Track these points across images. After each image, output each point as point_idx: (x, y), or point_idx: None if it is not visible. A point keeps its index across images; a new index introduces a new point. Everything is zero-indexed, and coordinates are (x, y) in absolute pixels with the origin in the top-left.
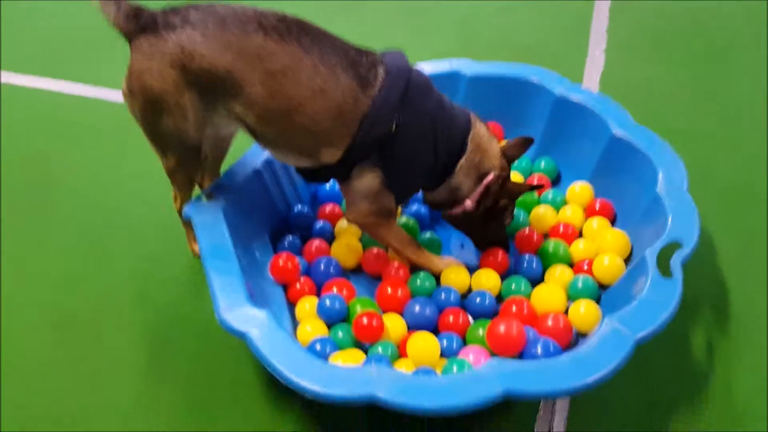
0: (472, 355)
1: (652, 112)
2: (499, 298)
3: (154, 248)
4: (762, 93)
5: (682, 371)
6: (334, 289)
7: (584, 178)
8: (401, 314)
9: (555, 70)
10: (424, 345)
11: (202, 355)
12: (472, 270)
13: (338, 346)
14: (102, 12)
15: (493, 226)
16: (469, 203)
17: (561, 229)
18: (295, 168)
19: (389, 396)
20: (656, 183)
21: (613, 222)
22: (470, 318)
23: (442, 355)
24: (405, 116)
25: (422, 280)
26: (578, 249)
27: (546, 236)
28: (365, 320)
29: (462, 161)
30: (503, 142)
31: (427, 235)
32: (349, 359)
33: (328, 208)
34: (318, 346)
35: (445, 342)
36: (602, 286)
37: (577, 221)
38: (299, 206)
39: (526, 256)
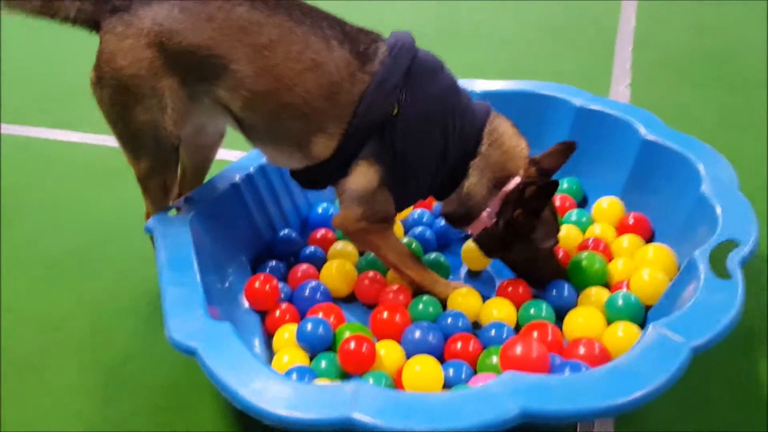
0: (482, 383)
1: None
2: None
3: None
4: None
5: (748, 406)
6: (320, 315)
7: (614, 194)
8: (399, 342)
9: None
10: (424, 371)
11: (164, 395)
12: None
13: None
14: (57, 14)
15: (525, 251)
16: (485, 215)
17: (590, 245)
18: (290, 173)
19: (370, 417)
20: (700, 184)
21: (650, 240)
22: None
23: (448, 384)
24: (409, 96)
25: (425, 305)
26: (616, 269)
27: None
28: (353, 345)
29: (476, 159)
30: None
31: (432, 256)
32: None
33: (320, 233)
34: (294, 376)
35: (451, 371)
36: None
37: (608, 239)
38: (285, 230)
39: (554, 283)
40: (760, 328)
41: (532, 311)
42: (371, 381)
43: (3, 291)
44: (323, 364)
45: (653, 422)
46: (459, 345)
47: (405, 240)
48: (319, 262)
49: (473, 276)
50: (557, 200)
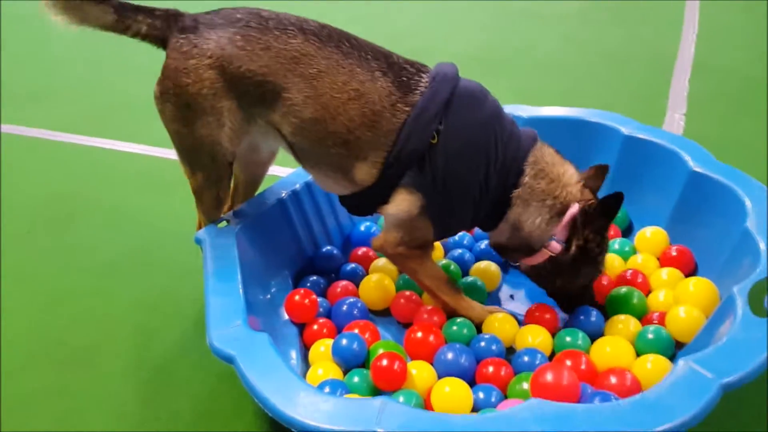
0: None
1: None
2: (552, 357)
3: (158, 284)
4: None
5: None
6: (356, 331)
7: (659, 224)
8: (432, 363)
9: None
10: (453, 393)
11: (203, 400)
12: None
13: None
14: (129, 29)
15: (590, 273)
16: (556, 245)
17: (629, 276)
18: (339, 199)
19: None
20: (745, 219)
21: (692, 273)
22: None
23: (476, 407)
24: (449, 125)
25: (460, 326)
26: (656, 300)
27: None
28: (385, 362)
29: (519, 189)
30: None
31: (470, 279)
32: None
33: (361, 251)
34: (326, 390)
35: (481, 394)
36: (678, 346)
37: (648, 270)
38: (328, 247)
39: (585, 308)
40: None
41: (567, 339)
42: (401, 399)
43: (63, 289)
44: (356, 379)
45: None
46: (491, 369)
47: (443, 262)
48: (358, 279)
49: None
50: None
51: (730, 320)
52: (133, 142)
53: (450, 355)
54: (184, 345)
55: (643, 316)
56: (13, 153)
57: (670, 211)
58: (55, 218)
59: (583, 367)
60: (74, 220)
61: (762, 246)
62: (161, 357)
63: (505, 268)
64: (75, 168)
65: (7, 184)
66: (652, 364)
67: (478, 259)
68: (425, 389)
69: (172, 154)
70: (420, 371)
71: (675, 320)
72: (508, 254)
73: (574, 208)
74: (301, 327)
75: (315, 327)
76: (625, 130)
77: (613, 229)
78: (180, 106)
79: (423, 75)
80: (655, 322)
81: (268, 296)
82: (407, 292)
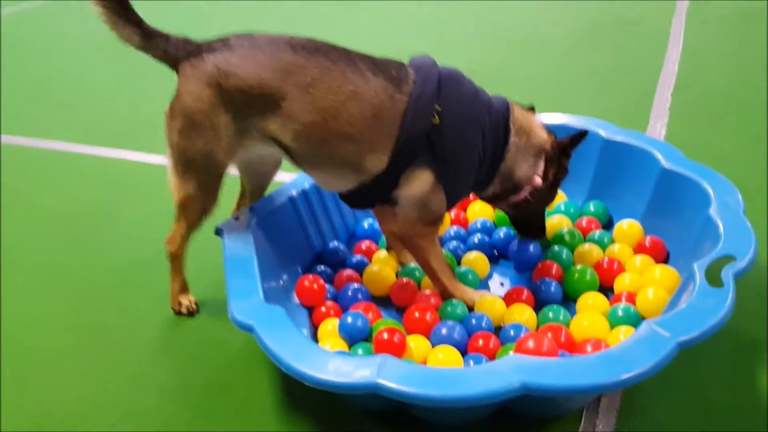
0: None
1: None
2: None
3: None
4: None
5: (745, 407)
6: (360, 311)
7: (635, 217)
8: (428, 338)
9: None
10: (446, 358)
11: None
12: None
13: None
14: (149, 50)
15: (550, 198)
16: (538, 180)
17: (605, 264)
18: (340, 195)
19: (395, 383)
20: (709, 207)
21: (665, 260)
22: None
23: None
24: (445, 104)
25: (453, 307)
26: (622, 282)
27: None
28: (386, 335)
29: (509, 146)
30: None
31: (463, 269)
32: None
33: (365, 244)
34: None
35: (471, 362)
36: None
37: (623, 258)
38: (334, 243)
39: (547, 282)
40: (760, 337)
41: (550, 315)
42: None
43: (95, 284)
44: (360, 351)
45: (655, 420)
46: (480, 342)
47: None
48: (362, 269)
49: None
50: (584, 222)
51: (689, 291)
52: (155, 153)
53: (444, 330)
54: (204, 330)
55: (595, 289)
56: (43, 165)
57: (644, 205)
58: (85, 223)
59: (563, 339)
60: (102, 224)
61: (721, 229)
62: (185, 341)
63: (495, 259)
64: (102, 179)
65: (39, 193)
66: (625, 335)
67: (469, 249)
68: (422, 359)
69: None
70: (417, 344)
71: (644, 300)
72: (497, 201)
73: (547, 146)
74: (310, 310)
75: (323, 309)
76: (603, 134)
77: (593, 223)
78: (185, 123)
79: (407, 68)
80: (623, 301)
81: (281, 282)
82: (405, 279)
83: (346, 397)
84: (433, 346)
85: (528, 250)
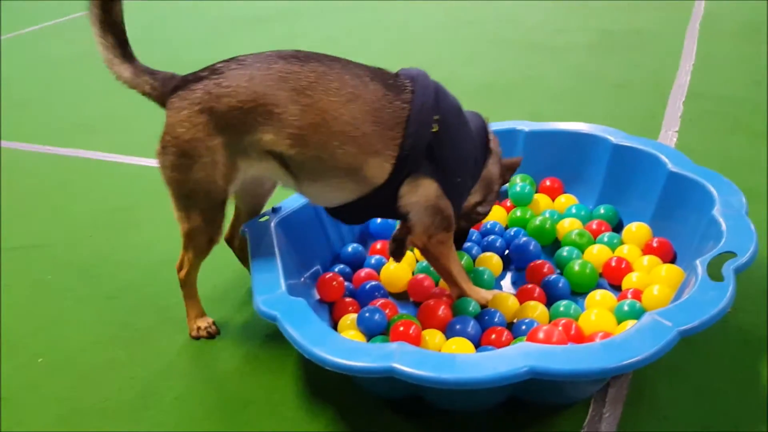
0: None
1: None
2: None
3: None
4: None
5: (748, 398)
6: (378, 305)
7: (644, 220)
8: (443, 332)
9: None
10: (459, 349)
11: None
12: None
13: None
14: (139, 87)
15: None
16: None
17: (614, 263)
18: (330, 210)
19: (409, 367)
20: (713, 208)
21: (672, 261)
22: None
23: None
24: (443, 114)
25: (467, 304)
26: (630, 281)
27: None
28: (402, 328)
29: (490, 153)
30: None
31: (479, 269)
32: None
33: (380, 245)
34: None
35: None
36: None
37: (632, 258)
38: (353, 245)
39: (555, 278)
40: (764, 332)
41: (561, 309)
42: None
43: (124, 281)
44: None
45: (661, 410)
46: (493, 336)
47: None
48: (380, 269)
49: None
50: (594, 225)
51: (691, 286)
52: None
53: (458, 326)
54: (228, 323)
55: (595, 281)
56: (74, 172)
57: (653, 208)
58: (113, 226)
59: (572, 332)
60: (129, 227)
61: (723, 227)
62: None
63: (509, 259)
64: (130, 185)
65: (70, 198)
66: None
67: (484, 250)
68: (436, 350)
69: None
70: (432, 337)
71: (649, 296)
72: (475, 210)
73: (514, 160)
74: (331, 306)
75: (342, 304)
76: (613, 140)
77: (603, 225)
78: (178, 156)
79: (402, 78)
80: (630, 297)
81: (302, 280)
82: (421, 276)
83: (364, 384)
84: (447, 339)
85: (528, 249)
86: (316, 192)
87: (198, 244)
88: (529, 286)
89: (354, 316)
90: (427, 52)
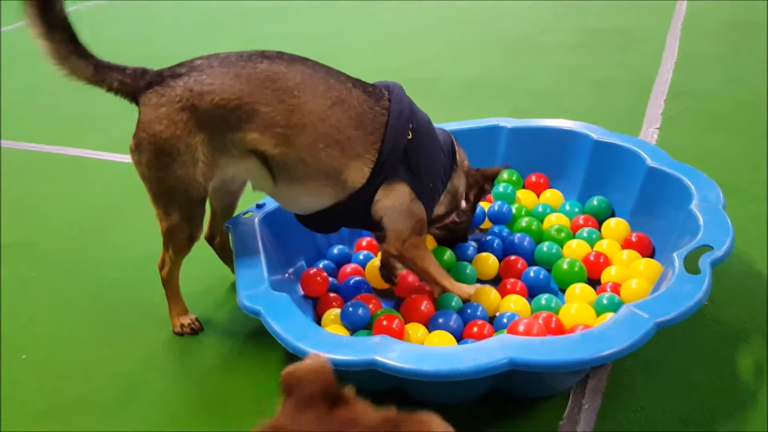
0: None
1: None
2: None
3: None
4: None
5: (725, 390)
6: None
7: (624, 215)
8: (425, 326)
9: None
10: (441, 342)
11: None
12: None
13: None
14: (104, 83)
15: (471, 218)
16: (463, 203)
17: (592, 257)
18: (306, 218)
19: (391, 360)
20: (690, 202)
21: (651, 256)
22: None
23: None
24: (416, 123)
25: (449, 299)
26: (609, 275)
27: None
28: (385, 322)
29: (457, 167)
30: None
31: (460, 265)
32: None
33: (365, 241)
34: None
35: None
36: None
37: (611, 253)
38: (339, 247)
39: (536, 270)
40: (741, 326)
41: (543, 302)
42: None
43: (108, 279)
44: None
45: (639, 401)
46: (475, 329)
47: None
48: (365, 265)
49: None
50: (581, 219)
51: (668, 278)
52: None
53: (441, 319)
54: (212, 319)
55: (583, 280)
56: (59, 170)
57: (632, 203)
58: (98, 224)
59: (553, 325)
60: (114, 224)
61: (701, 221)
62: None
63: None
64: (114, 183)
65: (54, 196)
66: None
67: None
68: (419, 344)
69: None
70: (414, 331)
71: (628, 290)
72: (436, 223)
73: (474, 175)
74: (315, 301)
75: (326, 299)
76: (594, 136)
77: (590, 221)
78: (156, 153)
79: (378, 87)
80: (608, 290)
81: (286, 276)
82: (406, 271)
83: (348, 378)
84: (430, 333)
85: (523, 246)
86: (292, 196)
87: (178, 241)
88: (512, 280)
89: (338, 310)
90: (414, 52)
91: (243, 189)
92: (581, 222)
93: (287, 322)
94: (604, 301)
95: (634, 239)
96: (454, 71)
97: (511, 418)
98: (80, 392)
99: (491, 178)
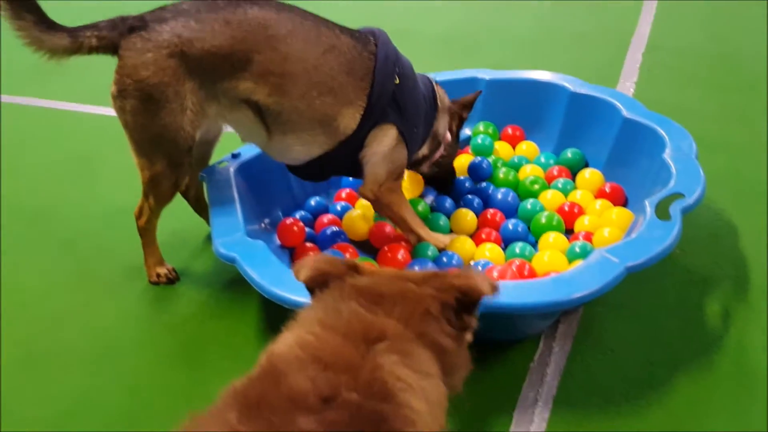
0: None
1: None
2: None
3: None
4: None
5: (692, 334)
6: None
7: (598, 166)
8: None
9: None
10: None
11: (211, 300)
12: None
13: None
14: (83, 47)
15: (455, 151)
16: (449, 136)
17: (566, 207)
18: (293, 168)
19: None
20: (663, 151)
21: (624, 204)
22: None
23: None
24: (401, 67)
25: (425, 248)
26: (582, 224)
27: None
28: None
29: (438, 108)
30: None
31: (433, 216)
32: None
33: (345, 192)
34: None
35: None
36: None
37: (585, 203)
38: (316, 199)
39: (514, 222)
40: (709, 273)
41: (517, 250)
42: None
43: (81, 229)
44: None
45: (608, 345)
46: None
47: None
48: (342, 216)
49: None
50: (555, 170)
51: (639, 224)
52: None
53: (417, 268)
54: (188, 269)
55: (561, 231)
56: (29, 121)
57: (606, 154)
58: (69, 175)
59: (526, 273)
60: (85, 176)
61: (673, 170)
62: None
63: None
64: (87, 134)
65: (22, 148)
66: None
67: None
68: None
69: None
70: None
71: (600, 238)
72: (422, 164)
73: (451, 106)
74: (291, 251)
75: (303, 249)
76: (571, 88)
77: (564, 172)
78: (142, 100)
79: (363, 33)
80: (581, 239)
81: (262, 225)
82: (383, 222)
83: None
84: None
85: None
86: (285, 146)
87: (161, 190)
88: (487, 230)
89: None
90: (386, 5)
91: (218, 138)
92: (555, 173)
93: (263, 268)
94: (577, 249)
95: (607, 189)
96: (426, 24)
97: (483, 361)
98: (54, 341)
99: (468, 106)
